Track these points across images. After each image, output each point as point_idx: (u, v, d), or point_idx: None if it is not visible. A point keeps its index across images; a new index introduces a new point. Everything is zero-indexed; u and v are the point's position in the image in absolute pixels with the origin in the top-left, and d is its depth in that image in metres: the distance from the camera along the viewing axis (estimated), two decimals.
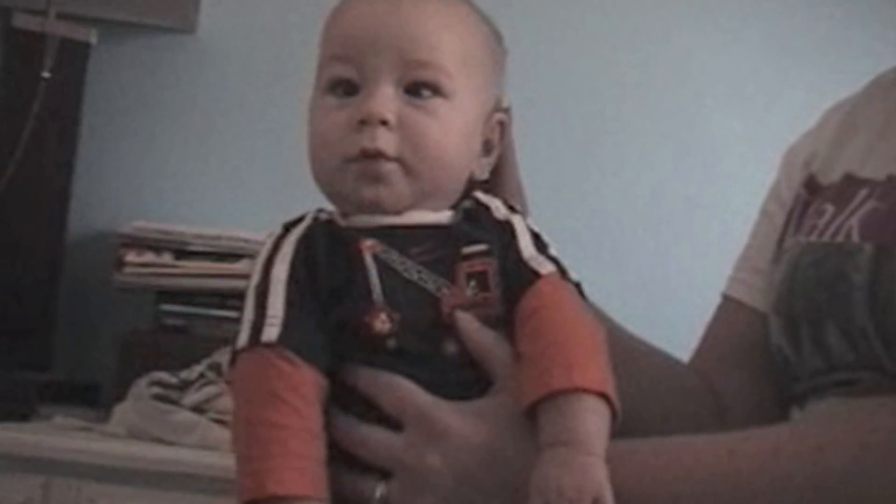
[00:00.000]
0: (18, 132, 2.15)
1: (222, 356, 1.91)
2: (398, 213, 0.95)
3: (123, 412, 1.91)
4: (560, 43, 2.45)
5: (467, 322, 0.93)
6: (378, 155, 0.94)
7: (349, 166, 0.95)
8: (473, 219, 0.97)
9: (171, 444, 1.85)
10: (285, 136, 2.37)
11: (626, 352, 1.12)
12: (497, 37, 1.03)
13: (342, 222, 0.96)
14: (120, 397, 1.96)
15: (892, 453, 0.87)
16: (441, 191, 0.97)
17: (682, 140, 2.43)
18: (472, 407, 0.92)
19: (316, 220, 0.96)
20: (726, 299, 1.23)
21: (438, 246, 0.94)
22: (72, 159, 2.29)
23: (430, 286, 0.93)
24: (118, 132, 2.41)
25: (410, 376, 0.92)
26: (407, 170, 0.94)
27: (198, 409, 1.87)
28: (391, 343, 0.92)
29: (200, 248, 2.13)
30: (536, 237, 0.96)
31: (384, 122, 0.94)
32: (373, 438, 0.92)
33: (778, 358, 1.10)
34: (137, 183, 2.41)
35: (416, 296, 0.93)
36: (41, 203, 2.25)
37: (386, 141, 0.94)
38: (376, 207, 0.95)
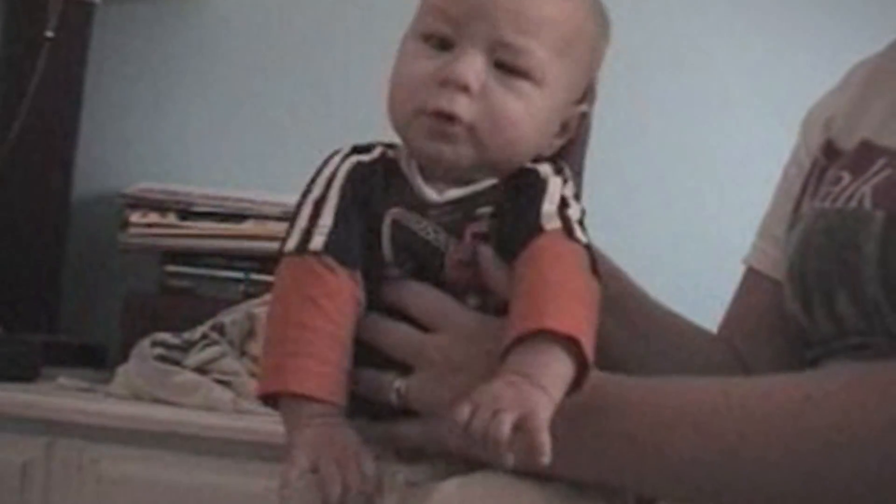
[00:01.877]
0: (22, 92, 2.14)
1: (225, 317, 1.91)
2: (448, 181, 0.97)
3: (126, 373, 1.91)
4: None
5: (486, 252, 0.96)
6: (451, 118, 0.95)
7: (421, 118, 0.96)
8: (513, 184, 0.98)
9: (173, 405, 1.85)
10: (291, 98, 2.37)
11: (648, 318, 1.14)
12: (605, 21, 1.03)
13: (405, 168, 0.98)
14: (125, 358, 1.95)
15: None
16: (504, 164, 0.98)
17: (689, 105, 2.41)
18: (499, 320, 0.95)
19: (383, 155, 0.99)
20: (749, 270, 1.23)
21: (457, 207, 0.97)
22: (76, 120, 2.28)
23: (441, 244, 0.96)
24: (122, 93, 2.40)
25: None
26: (476, 139, 0.96)
27: (200, 369, 1.87)
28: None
29: (205, 209, 2.12)
30: (563, 199, 0.97)
31: (466, 88, 0.94)
32: (401, 330, 0.97)
33: (792, 324, 1.10)
34: (142, 143, 2.40)
35: (424, 252, 0.96)
36: (45, 164, 2.24)
37: (463, 106, 0.95)
38: (436, 164, 0.97)
